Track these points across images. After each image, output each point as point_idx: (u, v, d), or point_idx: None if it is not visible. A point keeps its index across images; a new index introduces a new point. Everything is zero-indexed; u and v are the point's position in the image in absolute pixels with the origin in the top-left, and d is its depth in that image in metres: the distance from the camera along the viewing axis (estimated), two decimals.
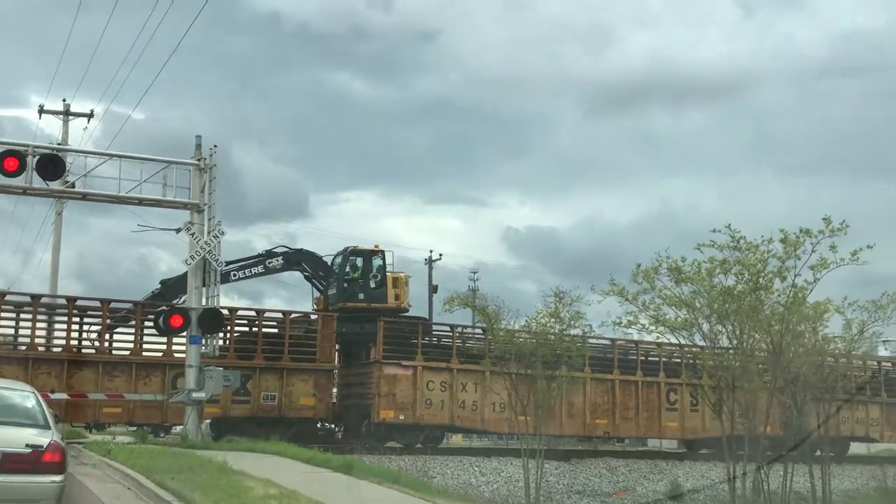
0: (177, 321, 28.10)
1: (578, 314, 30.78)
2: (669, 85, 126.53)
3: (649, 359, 38.42)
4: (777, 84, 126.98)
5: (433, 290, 63.45)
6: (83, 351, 31.75)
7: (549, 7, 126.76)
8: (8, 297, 31.46)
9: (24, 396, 12.89)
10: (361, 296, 35.63)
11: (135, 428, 32.81)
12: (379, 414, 33.62)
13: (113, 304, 32.48)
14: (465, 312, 36.59)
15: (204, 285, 28.80)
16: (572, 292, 30.55)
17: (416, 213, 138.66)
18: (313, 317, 35.05)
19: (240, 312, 33.65)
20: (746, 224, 25.76)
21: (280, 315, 34.63)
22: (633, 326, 28.14)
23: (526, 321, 31.91)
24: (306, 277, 36.65)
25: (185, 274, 33.82)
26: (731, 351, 27.28)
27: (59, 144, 35.54)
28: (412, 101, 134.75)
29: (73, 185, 28.21)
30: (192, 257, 28.40)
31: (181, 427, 29.43)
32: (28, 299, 31.55)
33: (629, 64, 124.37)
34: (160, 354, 31.78)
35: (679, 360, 37.50)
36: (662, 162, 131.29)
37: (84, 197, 29.33)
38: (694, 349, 31.87)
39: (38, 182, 26.83)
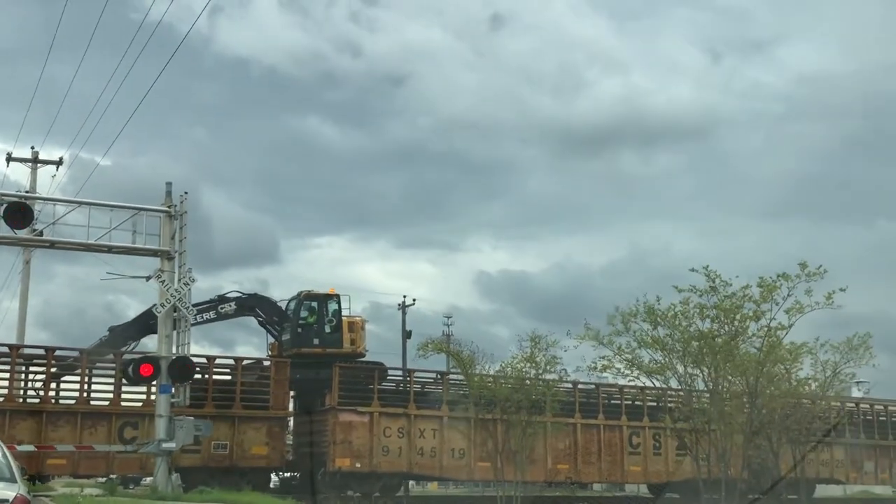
0: (146, 370, 27.12)
1: (554, 359, 30.20)
2: (639, 129, 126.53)
3: (611, 402, 37.68)
4: (745, 128, 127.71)
5: (406, 335, 63.13)
6: (28, 401, 30.43)
7: (517, 52, 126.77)
8: None
9: None
10: (316, 341, 34.59)
11: (105, 479, 31.63)
12: (335, 462, 32.54)
13: (58, 353, 31.24)
14: (440, 357, 35.87)
15: (175, 331, 27.87)
16: (548, 337, 30.00)
17: (389, 258, 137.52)
18: (266, 363, 33.88)
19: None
20: (718, 265, 25.26)
21: (232, 362, 33.47)
22: (608, 370, 27.53)
23: (501, 366, 31.22)
24: (260, 323, 35.50)
25: (134, 320, 33.09)
26: (706, 394, 26.75)
27: (26, 192, 34.71)
28: (383, 146, 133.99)
29: (41, 233, 27.64)
30: (162, 305, 27.61)
31: (151, 478, 28.30)
32: None
33: (598, 109, 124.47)
34: (106, 403, 30.60)
35: (641, 403, 36.96)
36: (633, 205, 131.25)
37: (52, 245, 28.71)
38: (656, 391, 31.21)
39: (5, 230, 26.26)
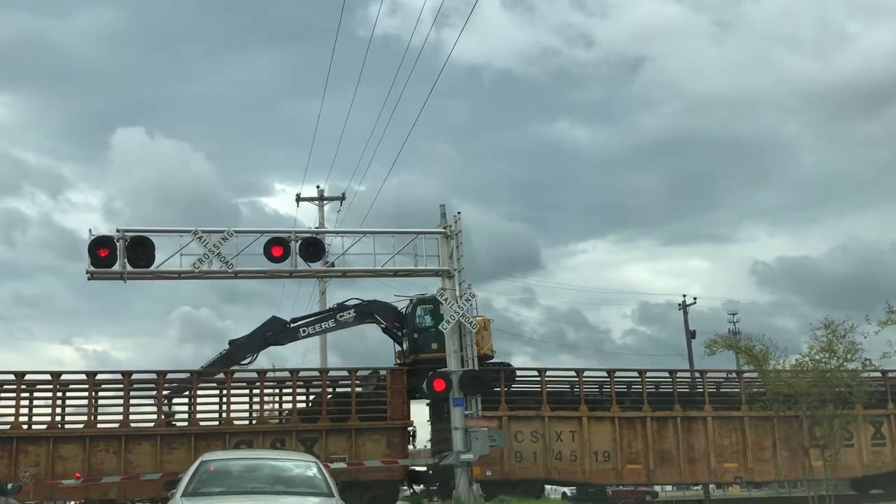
0: (440, 385, 28.39)
1: (854, 345, 27.98)
2: None
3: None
4: None
5: (691, 335, 60.42)
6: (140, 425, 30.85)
7: (764, 16, 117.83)
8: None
9: (307, 466, 13.29)
10: (434, 345, 32.44)
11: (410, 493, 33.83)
12: None
13: (169, 375, 31.54)
14: (726, 356, 33.62)
15: (461, 348, 29.07)
16: (844, 323, 27.85)
17: (656, 257, 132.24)
18: (382, 373, 32.56)
19: (302, 374, 31.87)
20: None
21: (346, 373, 32.51)
22: None
23: (797, 359, 29.08)
24: (384, 330, 34.14)
25: (252, 334, 32.86)
26: None
27: (317, 228, 38.36)
28: (633, 140, 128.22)
29: (332, 265, 29.83)
30: (447, 322, 28.85)
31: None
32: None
33: (868, 64, 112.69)
34: (217, 423, 30.50)
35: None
36: None
37: (344, 274, 30.77)
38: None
39: (301, 265, 28.17)
